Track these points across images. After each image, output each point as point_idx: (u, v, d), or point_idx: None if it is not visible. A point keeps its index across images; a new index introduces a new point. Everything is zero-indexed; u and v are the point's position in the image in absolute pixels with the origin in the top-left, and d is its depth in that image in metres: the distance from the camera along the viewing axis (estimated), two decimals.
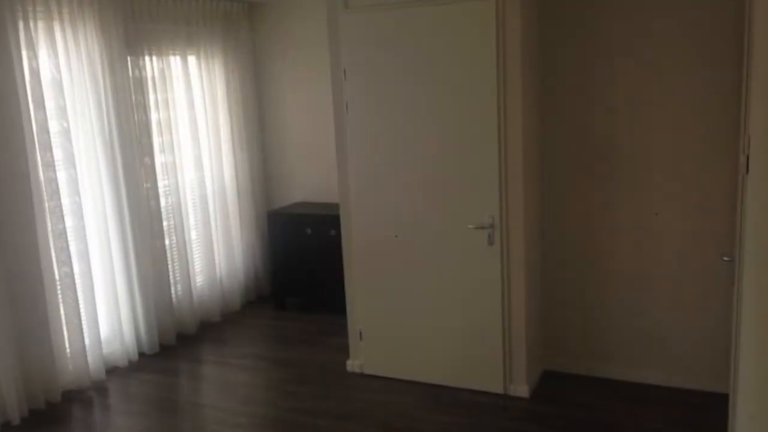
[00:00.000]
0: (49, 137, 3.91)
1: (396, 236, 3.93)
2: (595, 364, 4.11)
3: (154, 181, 4.64)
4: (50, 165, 3.92)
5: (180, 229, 4.89)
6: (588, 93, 3.88)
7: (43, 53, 3.94)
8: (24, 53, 3.79)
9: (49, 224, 3.95)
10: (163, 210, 4.75)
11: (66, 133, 4.05)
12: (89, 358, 4.17)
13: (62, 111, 4.03)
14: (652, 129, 3.78)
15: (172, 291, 4.87)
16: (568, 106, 3.93)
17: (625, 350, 4.04)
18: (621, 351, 4.05)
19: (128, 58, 4.44)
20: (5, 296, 3.72)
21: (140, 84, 4.52)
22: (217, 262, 5.32)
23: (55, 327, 4.01)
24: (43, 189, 3.91)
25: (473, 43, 3.59)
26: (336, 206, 4.22)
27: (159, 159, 4.73)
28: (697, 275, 3.78)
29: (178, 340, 4.85)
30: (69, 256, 4.03)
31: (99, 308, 4.30)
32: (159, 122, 4.72)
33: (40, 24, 3.92)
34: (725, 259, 3.27)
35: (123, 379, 4.30)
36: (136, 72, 4.51)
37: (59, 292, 4.04)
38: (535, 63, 3.85)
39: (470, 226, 3.74)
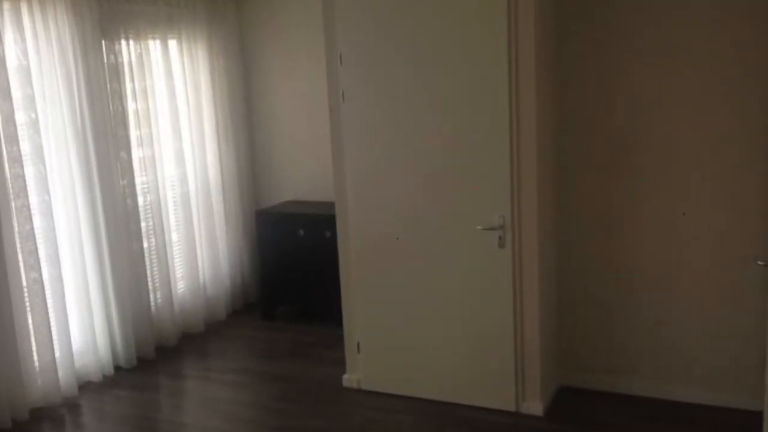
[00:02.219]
0: (15, 129, 3.91)
1: (397, 238, 3.93)
2: (616, 379, 4.10)
3: (131, 178, 4.64)
4: (17, 160, 3.92)
5: (159, 230, 4.90)
6: (608, 82, 3.87)
7: (9, 38, 3.94)
8: None
9: (15, 225, 3.95)
10: (141, 209, 4.75)
11: (34, 124, 4.05)
12: (60, 373, 4.16)
13: (30, 101, 4.03)
14: (679, 121, 3.78)
15: (151, 299, 4.87)
16: (586, 95, 3.93)
17: (649, 363, 4.03)
18: (645, 364, 4.04)
19: (103, 43, 4.44)
20: None
21: (116, 71, 4.52)
22: (200, 266, 5.32)
23: (22, 338, 4.01)
24: (9, 186, 3.91)
25: (482, 25, 3.58)
26: (331, 205, 4.22)
27: (136, 153, 4.73)
28: (728, 281, 3.78)
29: (158, 353, 4.85)
30: (38, 261, 4.03)
31: (71, 317, 4.30)
32: (137, 113, 4.72)
33: (6, 5, 3.92)
34: (760, 263, 3.27)
35: (97, 396, 4.30)
36: (112, 58, 4.51)
37: (27, 299, 4.03)
38: (551, 48, 3.84)
39: (479, 227, 3.73)
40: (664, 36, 3.71)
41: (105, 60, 4.46)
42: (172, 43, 5.05)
